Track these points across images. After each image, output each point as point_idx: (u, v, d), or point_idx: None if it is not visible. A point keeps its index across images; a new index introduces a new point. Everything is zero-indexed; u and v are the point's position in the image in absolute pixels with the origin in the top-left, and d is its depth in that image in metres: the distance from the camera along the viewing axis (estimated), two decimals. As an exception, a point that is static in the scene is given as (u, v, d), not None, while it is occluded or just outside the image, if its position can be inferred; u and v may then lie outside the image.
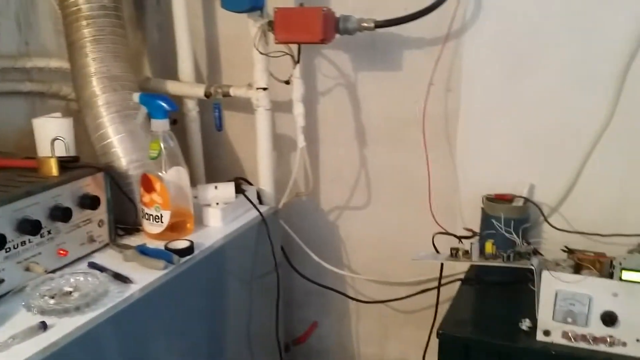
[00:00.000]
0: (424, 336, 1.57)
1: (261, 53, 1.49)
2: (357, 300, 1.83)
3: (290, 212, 1.77)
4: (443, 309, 1.42)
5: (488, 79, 1.54)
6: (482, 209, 1.52)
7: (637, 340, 1.18)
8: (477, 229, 1.53)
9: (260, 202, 1.60)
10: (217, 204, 1.47)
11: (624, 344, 1.19)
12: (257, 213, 1.51)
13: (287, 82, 1.55)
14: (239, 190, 1.51)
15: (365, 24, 1.45)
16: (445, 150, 1.63)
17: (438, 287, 1.57)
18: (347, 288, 1.86)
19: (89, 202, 1.25)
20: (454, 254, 1.38)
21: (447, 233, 1.52)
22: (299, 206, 1.80)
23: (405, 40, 1.58)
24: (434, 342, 1.33)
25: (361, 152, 1.73)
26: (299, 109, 1.54)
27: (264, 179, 1.63)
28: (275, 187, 1.65)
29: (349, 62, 1.67)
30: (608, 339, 1.19)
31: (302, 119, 1.55)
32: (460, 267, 1.59)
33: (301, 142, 1.57)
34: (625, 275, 1.18)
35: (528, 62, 1.49)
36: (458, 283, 1.55)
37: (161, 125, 1.32)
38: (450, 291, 1.53)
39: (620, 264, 1.19)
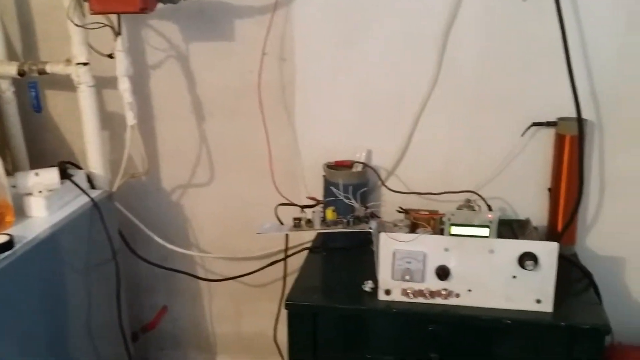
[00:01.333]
0: (277, 308, 1.57)
1: (77, 25, 1.37)
2: (207, 280, 1.79)
3: (128, 195, 1.68)
4: (293, 280, 1.42)
5: (320, 47, 1.54)
6: (324, 176, 1.53)
7: (469, 291, 1.24)
8: (321, 197, 1.54)
9: (93, 187, 1.49)
10: (40, 192, 1.34)
11: (457, 295, 1.25)
12: (89, 198, 1.41)
13: (111, 56, 1.44)
14: (65, 175, 1.40)
15: (189, -8, 1.39)
16: (284, 120, 1.61)
17: (285, 259, 1.58)
18: (197, 268, 1.81)
19: None
20: (297, 223, 1.38)
21: (289, 204, 1.51)
22: (138, 188, 1.72)
23: (235, 9, 1.53)
24: (285, 313, 1.32)
25: (200, 127, 1.67)
26: (124, 84, 1.44)
27: (94, 161, 1.51)
28: (108, 169, 1.55)
29: (179, 32, 1.59)
30: (443, 292, 1.25)
31: (129, 94, 1.46)
32: (307, 236, 1.60)
33: (130, 119, 1.48)
34: (454, 230, 1.24)
35: (357, 29, 1.51)
36: (306, 252, 1.55)
37: (-38, 109, 1.18)
38: (299, 261, 1.52)
39: (449, 219, 1.25)
